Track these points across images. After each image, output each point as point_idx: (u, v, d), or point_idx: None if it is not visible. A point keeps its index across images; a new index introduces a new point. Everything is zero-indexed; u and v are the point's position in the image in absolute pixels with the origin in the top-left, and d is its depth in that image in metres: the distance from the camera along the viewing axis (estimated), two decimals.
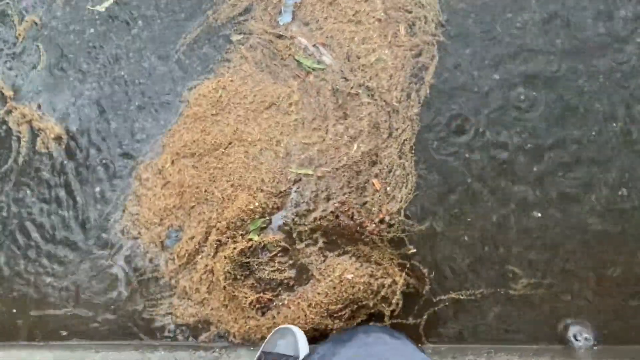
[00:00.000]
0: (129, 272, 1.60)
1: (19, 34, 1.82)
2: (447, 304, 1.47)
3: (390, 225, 1.52)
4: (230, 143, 1.56)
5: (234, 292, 1.51)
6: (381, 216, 1.55)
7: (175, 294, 1.58)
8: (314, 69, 1.62)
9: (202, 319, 1.55)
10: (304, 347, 1.36)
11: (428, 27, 1.64)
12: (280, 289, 1.51)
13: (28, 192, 1.70)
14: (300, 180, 1.58)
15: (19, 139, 1.75)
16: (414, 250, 1.51)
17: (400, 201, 1.56)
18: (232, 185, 1.53)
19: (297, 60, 1.63)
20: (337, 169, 1.55)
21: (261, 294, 1.54)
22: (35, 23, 1.82)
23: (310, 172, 1.56)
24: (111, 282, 1.60)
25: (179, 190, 1.56)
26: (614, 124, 1.52)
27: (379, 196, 1.56)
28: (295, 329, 1.40)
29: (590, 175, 1.49)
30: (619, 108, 1.52)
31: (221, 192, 1.53)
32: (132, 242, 1.61)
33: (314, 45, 1.65)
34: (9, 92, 1.76)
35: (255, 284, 1.54)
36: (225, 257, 1.50)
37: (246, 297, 1.50)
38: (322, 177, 1.57)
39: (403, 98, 1.59)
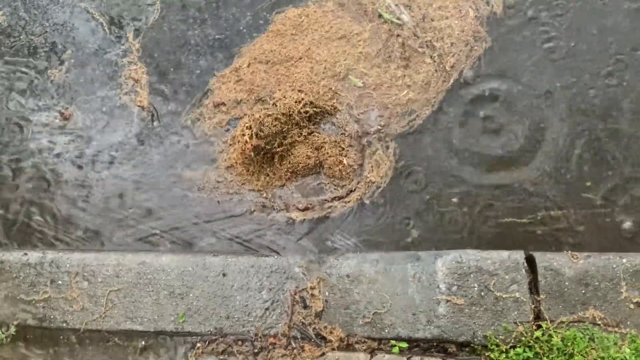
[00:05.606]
0: None
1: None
2: None
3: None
4: (300, 58, 1.82)
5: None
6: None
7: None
8: (391, 22, 1.86)
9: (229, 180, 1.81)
10: None
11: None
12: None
13: None
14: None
15: None
16: None
17: None
18: (292, 90, 1.77)
19: (380, 13, 1.88)
20: (382, 102, 1.77)
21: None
22: None
23: (360, 84, 1.79)
24: None
25: (249, 87, 1.83)
26: None
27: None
28: None
29: None
30: None
31: (282, 93, 1.78)
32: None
33: (396, 5, 1.91)
34: None
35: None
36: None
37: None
38: (365, 95, 1.80)
39: (456, 65, 1.81)
